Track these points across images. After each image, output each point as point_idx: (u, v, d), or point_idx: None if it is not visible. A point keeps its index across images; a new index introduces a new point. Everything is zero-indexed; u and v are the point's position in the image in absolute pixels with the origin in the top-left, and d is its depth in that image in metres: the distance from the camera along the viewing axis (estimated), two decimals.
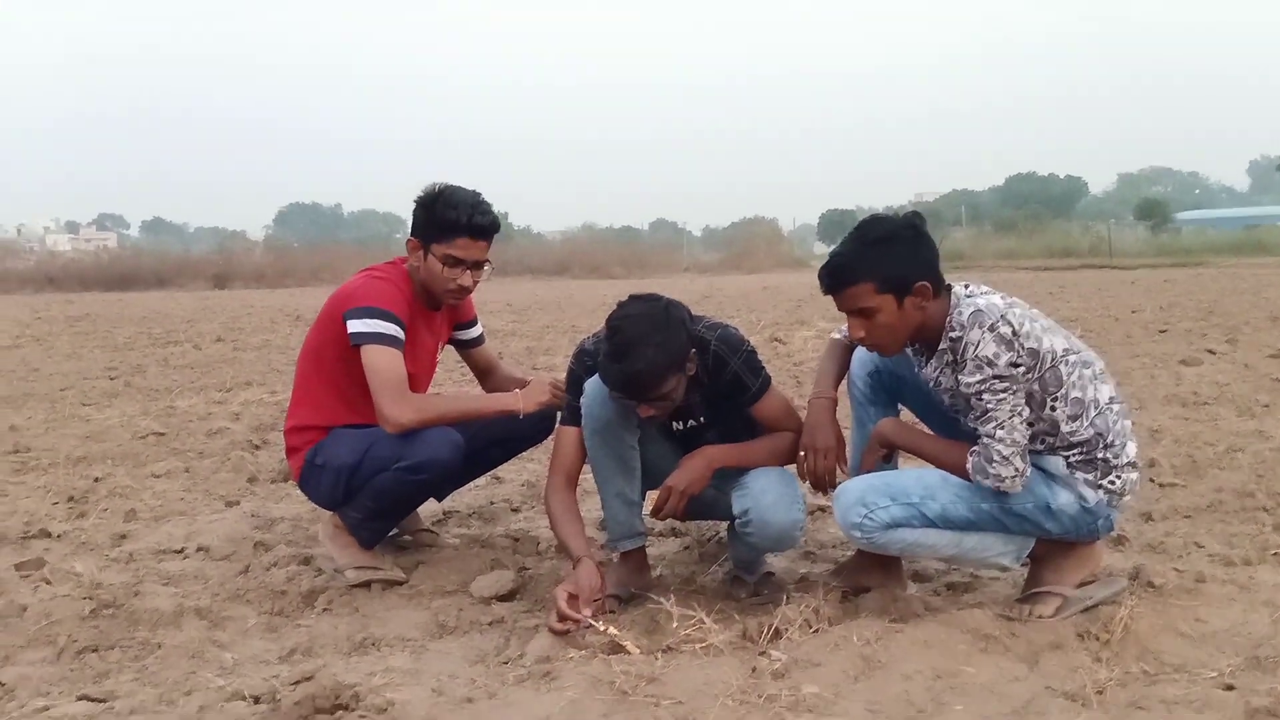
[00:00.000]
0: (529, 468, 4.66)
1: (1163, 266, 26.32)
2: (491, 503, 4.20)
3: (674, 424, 3.06)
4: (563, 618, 2.64)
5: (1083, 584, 2.74)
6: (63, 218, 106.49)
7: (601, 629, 2.59)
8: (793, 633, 2.54)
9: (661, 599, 2.79)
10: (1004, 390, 2.53)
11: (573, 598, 2.67)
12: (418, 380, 3.31)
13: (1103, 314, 12.43)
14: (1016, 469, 2.57)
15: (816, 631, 2.56)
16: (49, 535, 3.79)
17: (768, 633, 2.55)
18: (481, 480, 4.51)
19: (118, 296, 25.49)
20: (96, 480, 4.68)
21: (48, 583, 3.20)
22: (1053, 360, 2.55)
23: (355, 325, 3.07)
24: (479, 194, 3.23)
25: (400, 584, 3.17)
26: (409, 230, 3.26)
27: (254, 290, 28.58)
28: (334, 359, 3.20)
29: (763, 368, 2.98)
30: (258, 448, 5.42)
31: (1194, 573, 2.98)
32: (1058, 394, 2.57)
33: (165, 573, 3.33)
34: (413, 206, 3.23)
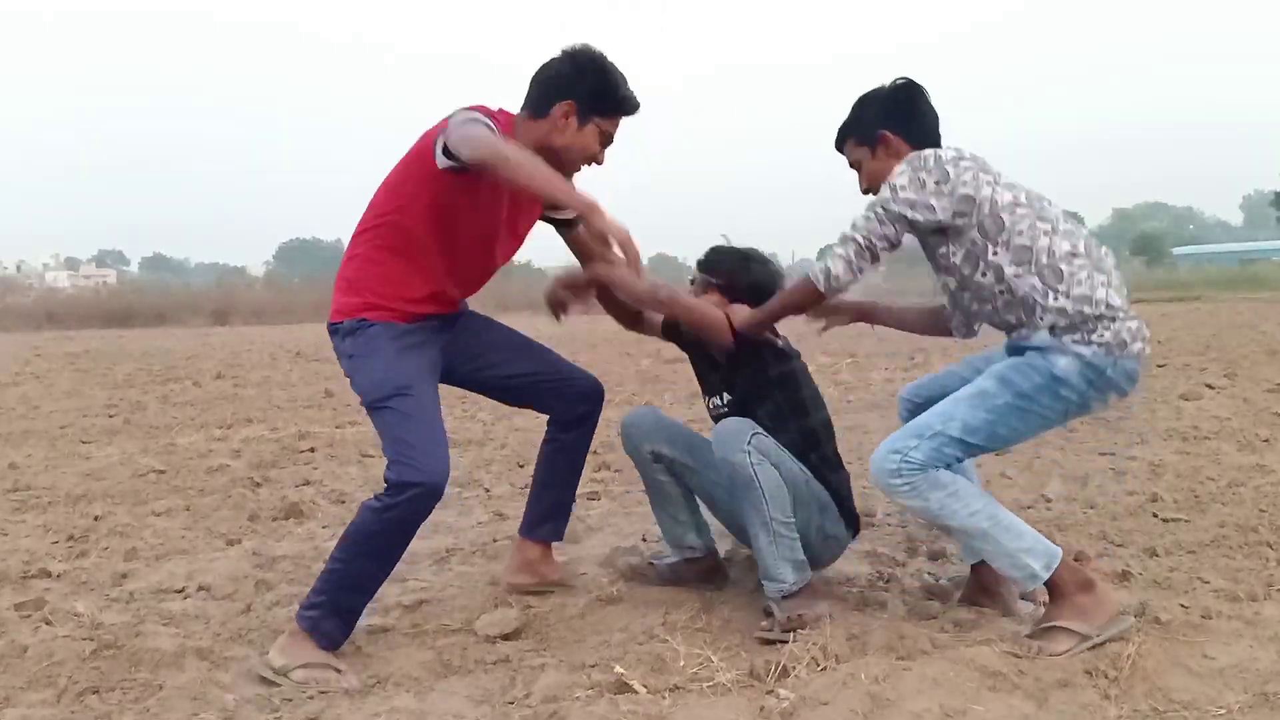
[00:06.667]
0: None
1: (1159, 301, 26.34)
2: (495, 540, 4.18)
3: (710, 401, 3.30)
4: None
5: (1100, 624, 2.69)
6: (62, 254, 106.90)
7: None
8: (800, 670, 2.53)
9: (668, 637, 2.78)
10: (881, 222, 2.66)
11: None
12: (471, 252, 2.99)
13: None
14: (848, 260, 2.71)
15: (824, 669, 2.54)
16: (49, 575, 3.77)
17: (775, 671, 2.54)
18: (484, 517, 4.52)
19: (117, 333, 25.48)
20: (97, 519, 4.67)
21: (48, 623, 3.18)
22: (991, 208, 2.64)
23: (450, 125, 2.68)
24: None
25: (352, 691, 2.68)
26: (556, 90, 2.85)
27: (254, 326, 28.57)
28: (416, 180, 2.85)
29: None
30: (259, 485, 5.40)
31: (1200, 608, 2.97)
32: (999, 239, 2.66)
33: (166, 612, 3.31)
34: (567, 67, 2.86)
